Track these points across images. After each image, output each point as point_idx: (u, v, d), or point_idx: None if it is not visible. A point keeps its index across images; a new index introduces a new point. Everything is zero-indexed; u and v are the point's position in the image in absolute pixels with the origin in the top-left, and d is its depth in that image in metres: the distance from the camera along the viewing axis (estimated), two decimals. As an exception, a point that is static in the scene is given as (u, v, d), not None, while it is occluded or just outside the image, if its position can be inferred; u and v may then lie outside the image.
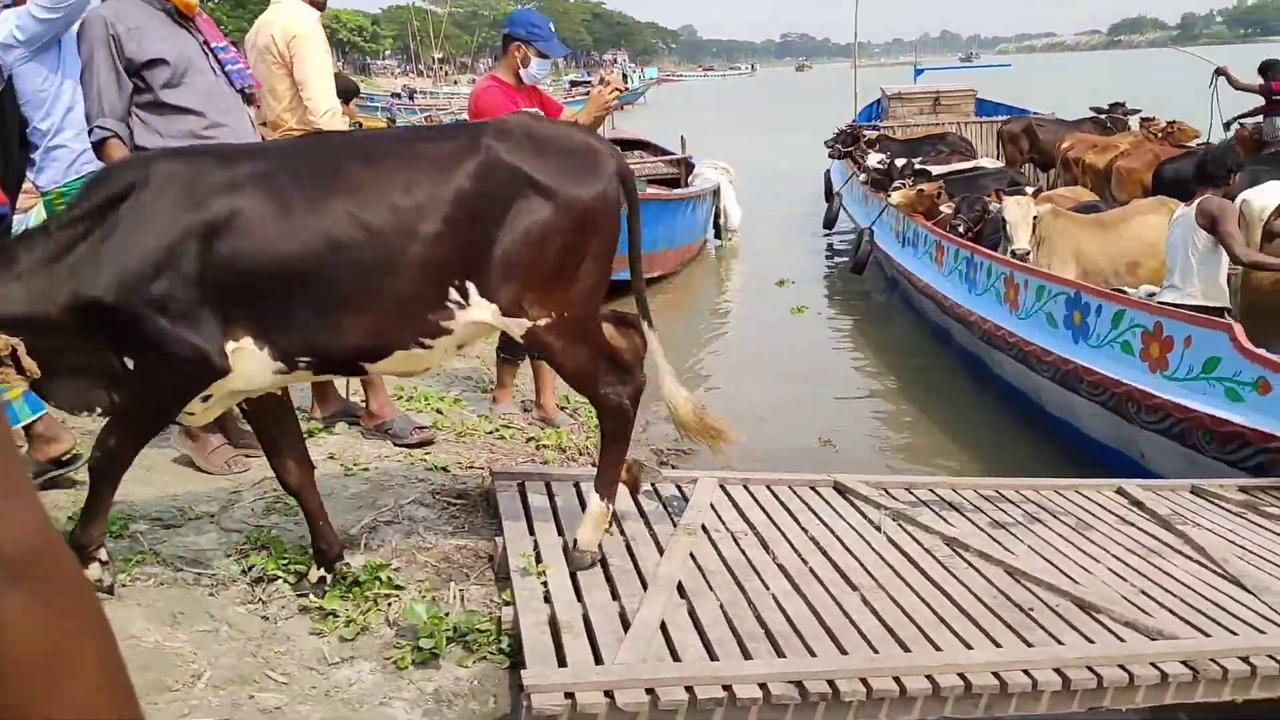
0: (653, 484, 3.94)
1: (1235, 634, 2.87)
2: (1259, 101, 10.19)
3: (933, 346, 8.59)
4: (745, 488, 4.00)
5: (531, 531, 3.39)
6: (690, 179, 13.15)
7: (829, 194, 13.60)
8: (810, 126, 21.84)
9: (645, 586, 3.04)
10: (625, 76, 69.65)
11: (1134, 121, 12.20)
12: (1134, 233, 6.88)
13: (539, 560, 3.16)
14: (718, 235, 13.68)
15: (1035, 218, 6.71)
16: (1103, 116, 12.70)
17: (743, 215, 13.70)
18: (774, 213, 15.44)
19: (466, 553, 3.42)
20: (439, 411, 4.87)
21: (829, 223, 12.63)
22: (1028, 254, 6.66)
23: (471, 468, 4.22)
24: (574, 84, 54.30)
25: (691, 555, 3.33)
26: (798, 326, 9.58)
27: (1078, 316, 5.75)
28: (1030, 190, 9.02)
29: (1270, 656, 2.76)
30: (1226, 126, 10.50)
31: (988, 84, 17.65)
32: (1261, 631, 2.89)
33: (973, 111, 15.43)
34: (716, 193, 12.91)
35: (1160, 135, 10.70)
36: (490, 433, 4.73)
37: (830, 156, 14.38)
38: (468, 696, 2.66)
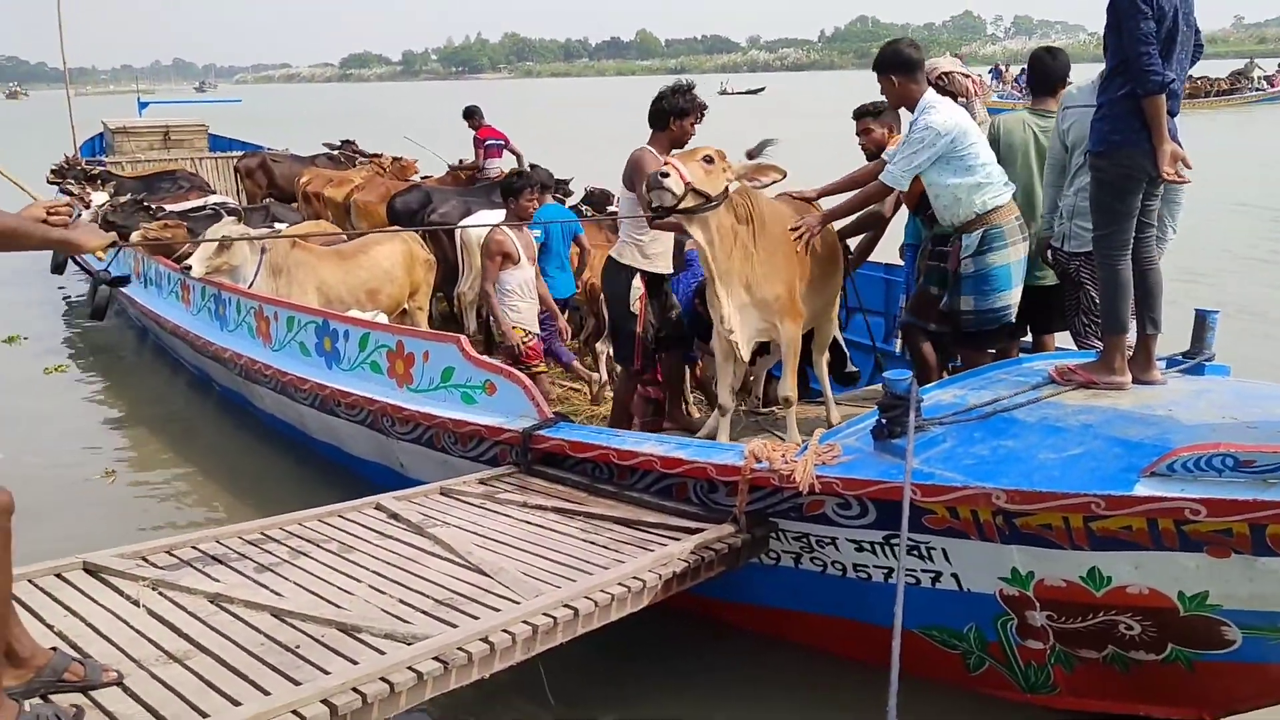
0: None
1: (476, 619, 3.21)
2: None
3: (192, 391, 8.29)
4: (-30, 593, 3.43)
5: None
6: None
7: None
8: (27, 160, 19.60)
9: None
10: None
11: (361, 159, 12.98)
12: (372, 261, 7.35)
13: None
14: (-77, 297, 11.61)
15: (224, 238, 6.80)
16: (336, 152, 13.36)
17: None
18: (-9, 262, 13.50)
19: None
20: None
21: (57, 268, 11.44)
22: (189, 270, 6.89)
23: None
24: None
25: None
26: (48, 389, 8.53)
27: (328, 343, 5.95)
28: (282, 226, 9.16)
29: (505, 631, 3.14)
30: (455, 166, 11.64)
31: (220, 119, 17.44)
32: (496, 610, 3.27)
33: (206, 147, 15.20)
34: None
35: (387, 170, 11.59)
36: None
37: (61, 192, 13.02)
38: None
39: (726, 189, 4.47)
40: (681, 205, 4.33)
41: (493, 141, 11.07)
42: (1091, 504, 3.14)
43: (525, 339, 5.95)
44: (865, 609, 3.93)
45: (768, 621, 4.32)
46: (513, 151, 11.00)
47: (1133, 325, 4.06)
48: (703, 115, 5.30)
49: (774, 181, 4.63)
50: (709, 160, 4.43)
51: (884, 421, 3.64)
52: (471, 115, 11.40)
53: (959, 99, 5.01)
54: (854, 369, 6.04)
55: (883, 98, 5.11)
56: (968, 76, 5.22)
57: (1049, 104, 5.08)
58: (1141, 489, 3.11)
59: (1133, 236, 3.84)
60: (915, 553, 3.69)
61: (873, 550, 3.82)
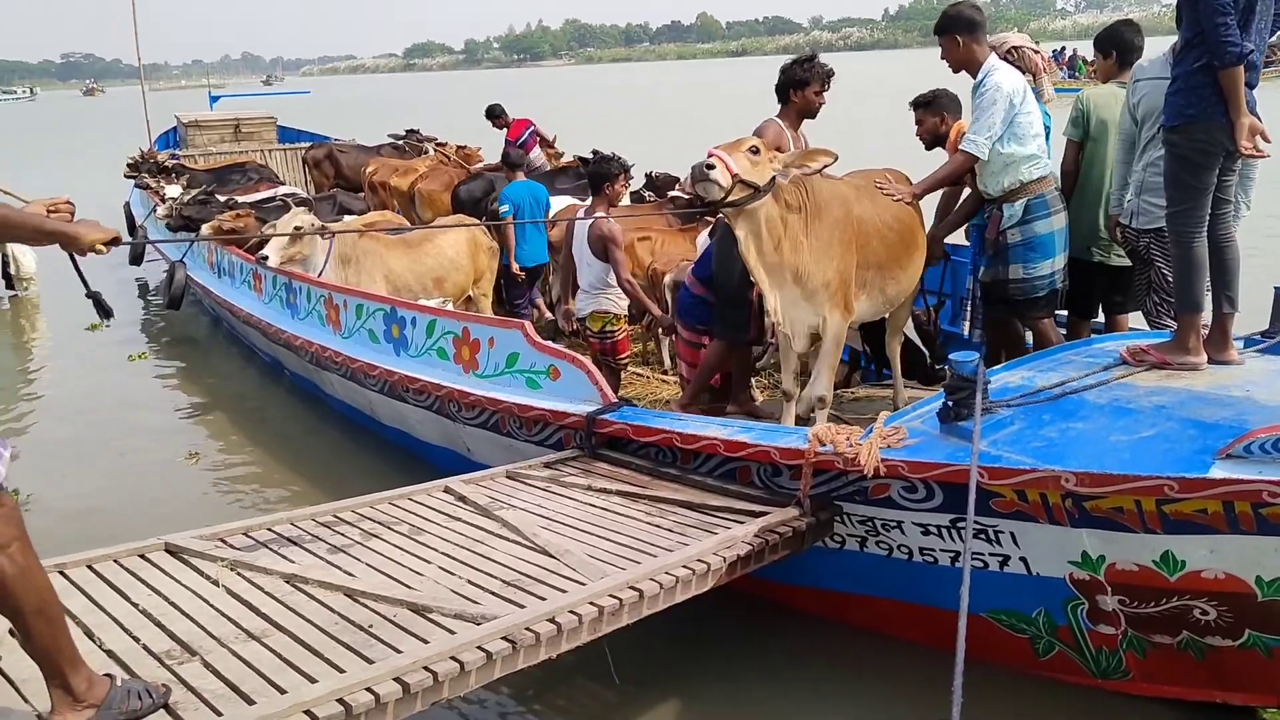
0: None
1: (544, 599, 3.26)
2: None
3: (264, 378, 8.49)
4: (61, 574, 3.57)
5: None
6: (-39, 224, 11.41)
7: (132, 228, 12.68)
8: (103, 155, 20.28)
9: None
10: None
11: (429, 147, 13.12)
12: (437, 249, 7.45)
13: None
14: (10, 286, 12.09)
15: (297, 228, 6.91)
16: (400, 142, 13.52)
17: (38, 259, 12.23)
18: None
19: None
20: None
21: (136, 258, 11.80)
22: (265, 259, 6.94)
23: None
24: None
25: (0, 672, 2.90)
26: (131, 375, 8.84)
27: (396, 330, 6.06)
28: (350, 215, 9.33)
29: (571, 611, 3.18)
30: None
31: (289, 110, 17.77)
32: (563, 591, 3.32)
33: (275, 139, 15.47)
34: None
35: (452, 158, 11.70)
36: None
37: (137, 186, 13.45)
38: None
39: (774, 179, 4.37)
40: (730, 198, 4.26)
41: (530, 131, 11.09)
42: (1165, 487, 3.08)
43: (621, 328, 6.00)
44: (932, 593, 3.90)
45: (833, 605, 4.31)
46: (539, 135, 11.07)
47: (1208, 303, 3.97)
48: (828, 82, 5.28)
49: (825, 166, 4.49)
50: (754, 151, 4.32)
51: (950, 404, 3.60)
52: (496, 115, 11.27)
53: (1026, 75, 4.95)
54: (941, 369, 5.97)
55: (938, 80, 5.08)
56: (1037, 53, 5.17)
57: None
58: (1217, 471, 3.05)
59: (1208, 212, 3.75)
60: (983, 536, 3.66)
61: (939, 534, 3.79)
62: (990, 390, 3.64)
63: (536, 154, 10.94)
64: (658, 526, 3.92)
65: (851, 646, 4.19)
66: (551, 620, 3.12)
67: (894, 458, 3.59)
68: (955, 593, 3.68)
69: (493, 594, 3.34)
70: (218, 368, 9.09)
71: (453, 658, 2.90)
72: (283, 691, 2.75)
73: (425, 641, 2.99)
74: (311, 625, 3.14)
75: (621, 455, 4.65)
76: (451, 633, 3.04)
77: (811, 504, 3.90)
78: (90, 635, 3.12)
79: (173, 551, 3.76)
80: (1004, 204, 4.73)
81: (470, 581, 3.45)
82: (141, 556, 3.74)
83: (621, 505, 4.15)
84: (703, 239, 6.73)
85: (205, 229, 8.76)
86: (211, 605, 3.32)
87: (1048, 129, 4.93)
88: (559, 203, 8.29)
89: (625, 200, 9.16)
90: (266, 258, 6.89)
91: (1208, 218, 3.75)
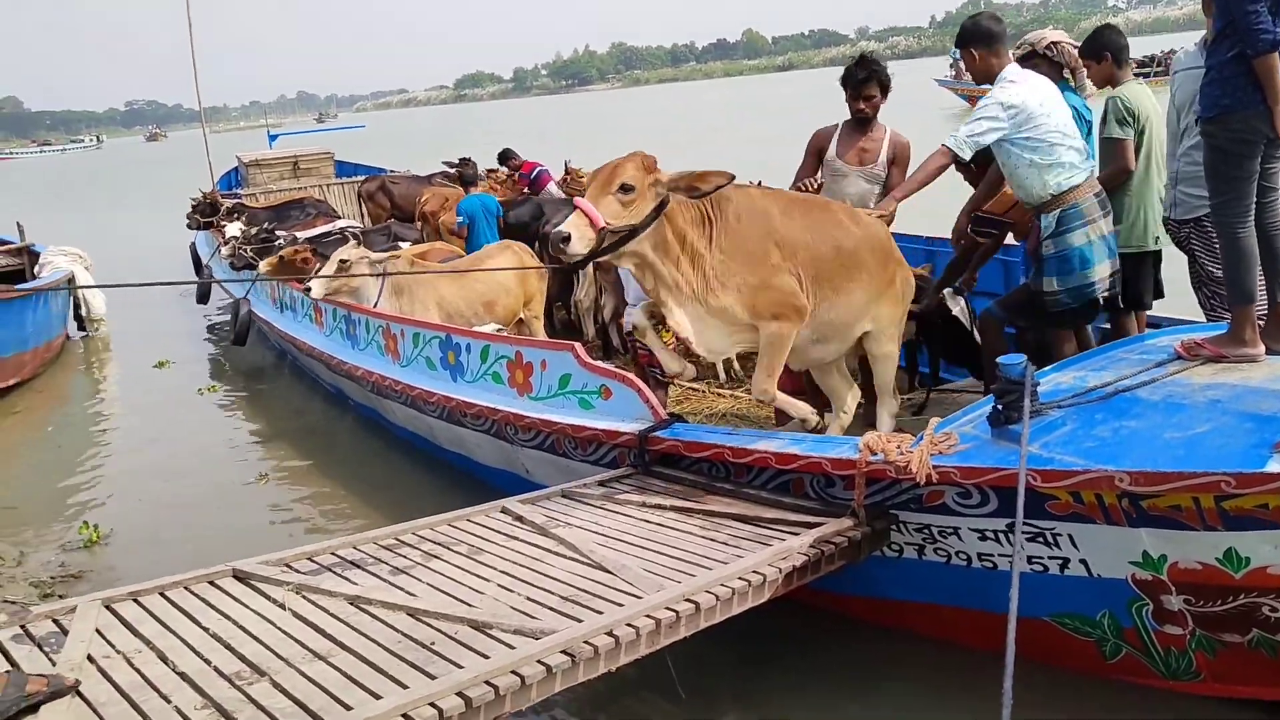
0: (22, 626, 3.50)
1: (601, 614, 3.30)
2: None
3: (329, 408, 8.68)
4: (135, 602, 3.70)
5: None
6: (36, 270, 12.00)
7: (198, 267, 13.08)
8: (169, 198, 20.90)
9: (18, 746, 2.69)
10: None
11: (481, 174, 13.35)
12: (487, 274, 7.58)
13: None
14: (81, 328, 12.53)
15: (343, 261, 7.11)
16: (453, 170, 13.73)
17: (108, 301, 12.68)
18: (143, 294, 14.40)
19: None
20: None
21: (202, 297, 12.17)
22: (309, 291, 7.32)
23: None
24: None
25: (77, 693, 3.01)
26: (203, 407, 9.11)
27: (451, 356, 6.17)
28: (404, 245, 9.52)
29: (628, 625, 3.22)
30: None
31: (345, 145, 18.17)
32: (620, 605, 3.35)
33: (333, 173, 15.80)
34: (71, 281, 11.82)
35: (503, 184, 11.89)
36: None
37: (189, 228, 13.89)
38: None
39: (663, 204, 4.16)
40: (606, 246, 4.10)
41: (539, 170, 11.48)
42: (1221, 483, 3.04)
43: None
44: (992, 598, 3.85)
45: (893, 614, 4.30)
46: (548, 174, 11.55)
47: (1262, 293, 3.91)
48: (861, 88, 5.42)
49: (717, 187, 4.19)
50: (626, 189, 4.06)
51: (1000, 407, 3.58)
52: (509, 158, 12.16)
53: (1065, 70, 4.92)
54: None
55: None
56: (1076, 47, 5.13)
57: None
58: (1275, 465, 3.00)
59: (1253, 201, 3.69)
60: (1041, 539, 3.63)
61: (997, 539, 3.77)
62: (1041, 392, 3.62)
63: (553, 188, 11.31)
64: (712, 540, 3.94)
65: (915, 653, 4.16)
66: (609, 634, 3.16)
67: (945, 464, 3.58)
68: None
69: (551, 609, 3.39)
70: (284, 399, 9.32)
71: (513, 672, 2.95)
72: (349, 708, 2.82)
73: (486, 657, 3.04)
74: (375, 644, 3.22)
75: (674, 471, 4.69)
76: (511, 648, 3.09)
77: (866, 513, 3.90)
78: (164, 659, 3.22)
79: (240, 577, 3.88)
80: (1041, 214, 4.66)
81: (529, 598, 3.51)
82: (211, 583, 3.85)
83: (676, 520, 4.19)
84: None
85: (262, 265, 9.01)
86: (278, 627, 3.41)
87: (1090, 123, 4.87)
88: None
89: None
90: (310, 289, 7.11)
91: (1253, 206, 3.70)
